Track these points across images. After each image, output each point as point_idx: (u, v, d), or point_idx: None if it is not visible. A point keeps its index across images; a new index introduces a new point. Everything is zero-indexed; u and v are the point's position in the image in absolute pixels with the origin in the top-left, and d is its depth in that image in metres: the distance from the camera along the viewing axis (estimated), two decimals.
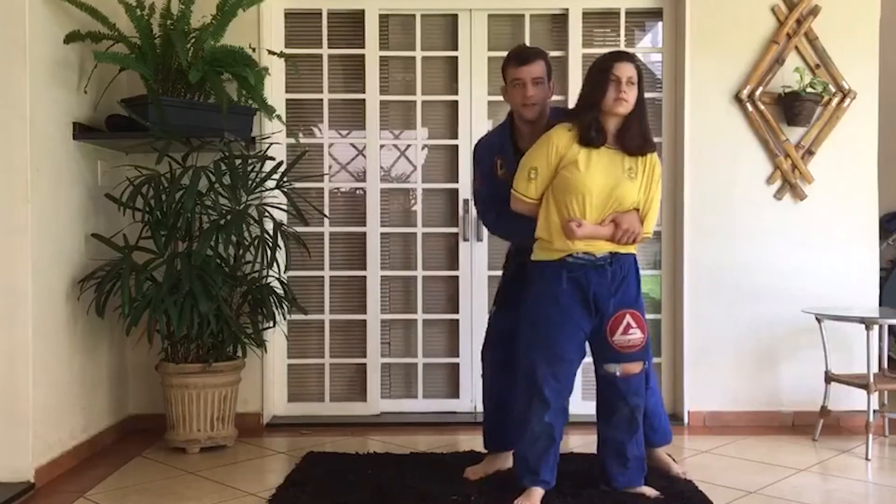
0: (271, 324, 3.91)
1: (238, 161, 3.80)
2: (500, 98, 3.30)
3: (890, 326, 4.18)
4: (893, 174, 4.93)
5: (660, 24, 4.44)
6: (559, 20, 4.46)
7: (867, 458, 3.66)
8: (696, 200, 4.27)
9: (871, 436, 3.70)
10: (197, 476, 3.46)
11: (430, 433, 4.11)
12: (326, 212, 4.40)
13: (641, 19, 4.51)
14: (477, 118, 4.41)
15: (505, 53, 3.22)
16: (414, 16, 4.44)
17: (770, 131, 4.26)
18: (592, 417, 3.12)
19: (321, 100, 4.45)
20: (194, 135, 3.74)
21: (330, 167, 4.49)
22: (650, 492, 3.04)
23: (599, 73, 2.90)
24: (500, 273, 3.40)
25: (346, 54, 4.45)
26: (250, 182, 3.84)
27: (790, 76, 4.18)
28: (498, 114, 4.26)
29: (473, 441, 3.69)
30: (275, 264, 3.91)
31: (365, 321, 4.45)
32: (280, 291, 3.97)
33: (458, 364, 4.45)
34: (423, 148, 4.50)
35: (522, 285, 3.05)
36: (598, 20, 4.47)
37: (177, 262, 3.70)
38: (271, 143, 4.03)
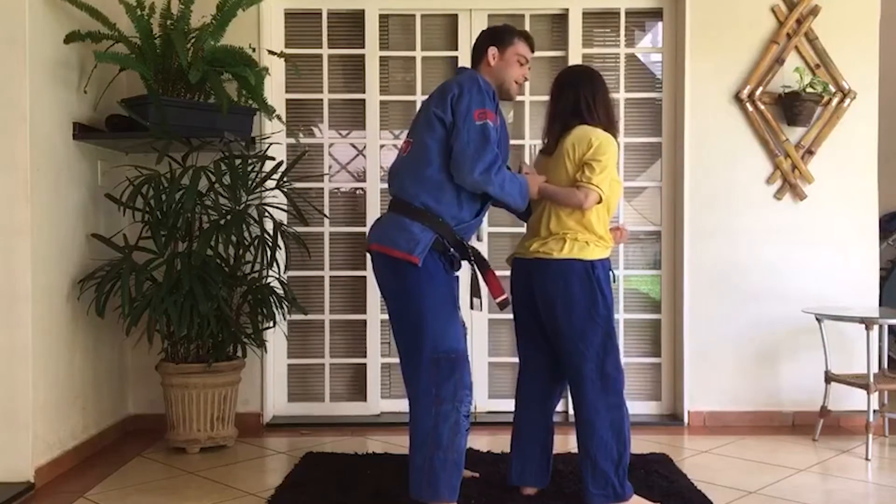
0: (271, 324, 3.91)
1: (238, 161, 3.80)
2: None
3: (890, 326, 4.18)
4: (893, 174, 4.94)
5: (660, 24, 4.44)
6: (559, 20, 4.46)
7: (867, 458, 3.66)
8: (696, 200, 4.27)
9: (871, 436, 3.70)
10: (197, 476, 3.46)
11: None
12: (326, 212, 4.40)
13: (641, 19, 4.51)
14: None
15: None
16: (414, 16, 4.44)
17: (770, 131, 4.26)
18: None
19: (321, 100, 4.45)
20: (194, 135, 3.74)
21: (330, 167, 4.49)
22: None
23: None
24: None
25: (346, 54, 4.45)
26: (250, 182, 3.85)
27: (790, 76, 4.18)
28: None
29: (472, 440, 3.67)
30: (275, 264, 3.91)
31: (365, 321, 4.45)
32: (280, 291, 3.97)
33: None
34: None
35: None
36: (598, 20, 4.47)
37: (177, 262, 3.70)
38: (271, 143, 4.03)
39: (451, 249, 2.83)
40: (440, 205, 2.79)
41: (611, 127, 2.96)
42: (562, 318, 2.87)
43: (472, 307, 2.90)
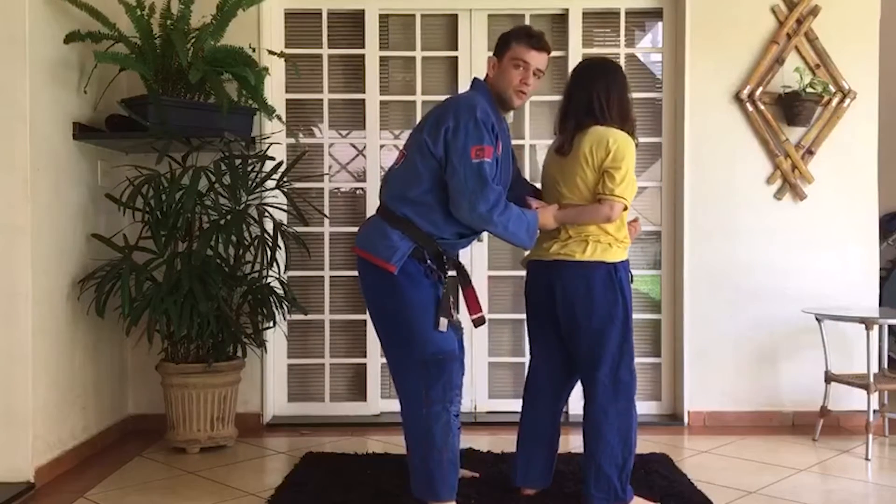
0: (271, 324, 3.91)
1: (238, 161, 3.80)
2: None
3: (890, 326, 4.18)
4: (893, 174, 4.94)
5: (660, 24, 4.44)
6: (559, 20, 4.46)
7: (867, 458, 3.66)
8: (696, 200, 4.27)
9: (871, 436, 3.70)
10: (197, 476, 3.46)
11: None
12: (326, 212, 4.40)
13: (641, 19, 4.51)
14: None
15: None
16: (414, 16, 4.44)
17: (770, 131, 4.26)
18: None
19: (321, 100, 4.45)
20: (194, 135, 3.73)
21: (330, 167, 4.49)
22: None
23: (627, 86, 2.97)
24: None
25: (346, 54, 4.45)
26: (250, 182, 3.85)
27: (790, 76, 4.18)
28: None
29: (472, 440, 3.69)
30: (275, 264, 3.91)
31: (365, 321, 4.44)
32: (280, 291, 3.97)
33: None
34: None
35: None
36: (598, 20, 4.47)
37: (177, 262, 3.70)
38: (271, 143, 4.03)
39: (429, 261, 2.79)
40: (422, 219, 2.77)
41: (625, 126, 2.88)
42: (581, 319, 2.84)
43: (436, 326, 2.75)
